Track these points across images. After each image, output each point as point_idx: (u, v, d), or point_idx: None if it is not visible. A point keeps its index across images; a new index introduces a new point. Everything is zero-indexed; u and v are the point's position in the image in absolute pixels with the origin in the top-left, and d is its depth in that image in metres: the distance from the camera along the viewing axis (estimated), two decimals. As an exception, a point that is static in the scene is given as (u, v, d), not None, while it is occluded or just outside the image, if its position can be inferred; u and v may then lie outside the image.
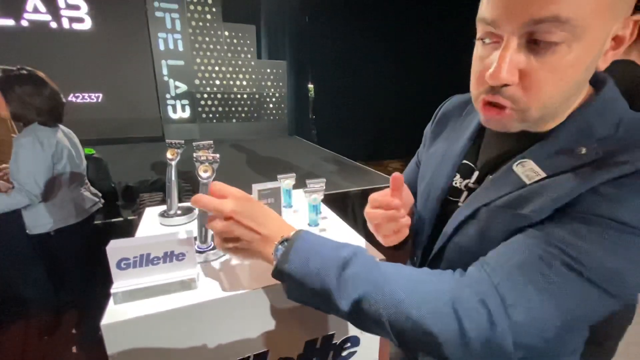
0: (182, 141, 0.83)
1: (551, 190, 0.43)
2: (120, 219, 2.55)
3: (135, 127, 5.23)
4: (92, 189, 1.86)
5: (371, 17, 5.79)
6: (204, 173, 0.65)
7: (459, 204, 0.57)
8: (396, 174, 0.56)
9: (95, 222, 2.00)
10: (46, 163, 1.47)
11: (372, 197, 0.59)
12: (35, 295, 2.03)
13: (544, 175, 0.45)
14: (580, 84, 0.44)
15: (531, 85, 0.41)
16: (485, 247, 0.47)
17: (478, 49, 0.46)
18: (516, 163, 0.48)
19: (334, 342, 0.69)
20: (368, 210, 0.59)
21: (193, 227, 0.81)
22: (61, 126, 1.64)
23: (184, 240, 0.56)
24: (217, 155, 0.67)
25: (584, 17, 0.37)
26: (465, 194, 0.58)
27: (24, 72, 1.44)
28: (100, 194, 1.92)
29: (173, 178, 0.83)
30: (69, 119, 1.66)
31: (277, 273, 0.48)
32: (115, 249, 0.52)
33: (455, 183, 0.60)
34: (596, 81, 0.49)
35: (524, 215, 0.45)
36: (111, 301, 0.53)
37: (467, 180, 0.59)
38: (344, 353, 0.72)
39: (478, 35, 0.46)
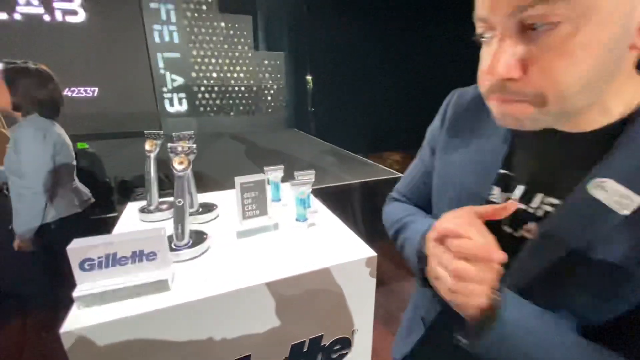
0: (161, 132, 0.78)
1: None
2: (115, 214, 2.52)
3: (132, 121, 5.17)
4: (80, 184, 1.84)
5: (371, 7, 5.68)
6: (178, 165, 0.60)
7: (504, 226, 0.47)
8: (512, 202, 0.43)
9: (91, 217, 1.97)
10: (49, 153, 1.48)
11: (453, 230, 0.41)
12: (33, 291, 2.02)
13: None
14: (608, 68, 0.36)
15: (537, 74, 0.36)
16: (572, 298, 0.40)
17: (483, 47, 0.41)
18: (593, 184, 0.38)
19: (322, 344, 0.65)
20: (453, 260, 0.41)
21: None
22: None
23: (155, 238, 0.52)
24: (194, 146, 0.62)
25: None
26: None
27: (31, 65, 1.47)
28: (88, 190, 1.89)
29: (152, 171, 0.78)
30: (64, 114, 1.67)
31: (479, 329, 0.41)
32: (77, 249, 0.48)
33: (494, 197, 0.49)
34: None
35: (633, 270, 0.36)
36: (74, 306, 0.49)
37: (507, 195, 0.48)
38: (334, 356, 0.68)
39: (476, 31, 0.41)
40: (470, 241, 0.39)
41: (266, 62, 5.96)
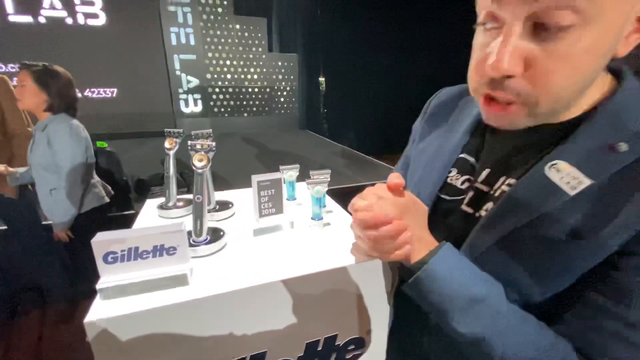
0: (181, 130, 0.79)
1: (605, 207, 0.37)
2: (132, 211, 2.58)
3: (149, 122, 5.30)
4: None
5: (384, 10, 5.66)
6: (198, 162, 0.61)
7: (463, 206, 0.51)
8: (394, 174, 0.49)
9: (109, 214, 2.03)
10: (83, 147, 1.58)
11: (360, 205, 0.48)
12: (52, 284, 2.08)
13: (589, 182, 0.38)
14: (597, 73, 0.38)
15: (538, 76, 0.36)
16: (517, 271, 0.42)
17: (479, 36, 0.41)
18: (548, 165, 0.41)
19: (337, 343, 0.65)
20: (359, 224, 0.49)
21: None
22: None
23: (175, 233, 0.53)
24: (213, 144, 0.63)
25: None
26: (471, 194, 0.51)
27: (57, 67, 1.57)
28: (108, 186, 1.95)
29: (171, 169, 0.80)
30: (85, 114, 1.76)
31: (409, 274, 0.48)
32: (101, 242, 0.49)
33: (451, 180, 0.54)
34: (614, 71, 0.43)
35: (576, 247, 0.38)
36: (97, 297, 0.50)
37: (466, 177, 0.52)
38: (348, 356, 0.67)
39: (479, 19, 0.40)
40: (365, 213, 0.46)
41: (280, 63, 6.02)
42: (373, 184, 0.52)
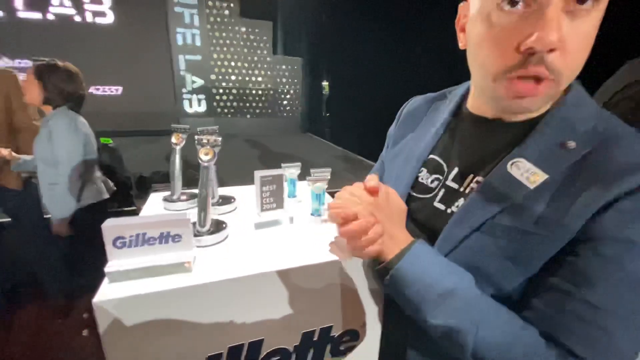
0: (187, 126, 0.82)
1: (561, 198, 0.41)
2: (134, 208, 2.60)
3: (153, 120, 5.34)
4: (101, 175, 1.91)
5: (388, 15, 5.71)
6: (205, 156, 0.64)
7: (436, 203, 0.55)
8: (371, 176, 0.52)
9: (109, 210, 2.05)
10: (81, 142, 1.59)
11: (332, 202, 0.51)
12: (51, 278, 2.09)
13: (545, 176, 0.43)
14: None
15: (569, 53, 0.39)
16: (488, 262, 0.46)
17: (493, 18, 0.40)
18: (510, 163, 0.46)
19: (331, 334, 0.67)
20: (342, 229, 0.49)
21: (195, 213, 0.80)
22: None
23: (181, 221, 0.55)
24: (219, 139, 0.66)
25: None
26: (442, 191, 0.55)
27: (58, 62, 1.58)
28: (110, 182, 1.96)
29: (177, 163, 0.82)
30: (89, 111, 1.76)
31: (384, 271, 0.50)
32: (111, 227, 0.52)
33: (421, 179, 0.58)
34: None
35: (539, 235, 0.42)
36: (105, 280, 0.53)
37: (435, 176, 0.56)
38: (342, 347, 0.70)
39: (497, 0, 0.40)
40: (336, 210, 0.49)
41: (284, 67, 6.08)
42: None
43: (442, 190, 0.55)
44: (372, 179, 0.51)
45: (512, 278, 0.45)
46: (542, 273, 0.43)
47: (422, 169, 0.58)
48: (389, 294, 0.52)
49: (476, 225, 0.47)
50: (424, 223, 0.56)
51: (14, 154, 1.66)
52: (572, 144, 0.42)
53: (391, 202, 0.52)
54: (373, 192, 0.51)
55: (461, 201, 0.51)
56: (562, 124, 0.44)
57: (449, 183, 0.54)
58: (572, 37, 0.38)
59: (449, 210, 0.53)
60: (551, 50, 0.38)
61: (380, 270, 0.51)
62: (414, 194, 0.58)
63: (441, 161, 0.57)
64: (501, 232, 0.45)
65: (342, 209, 0.48)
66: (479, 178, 0.50)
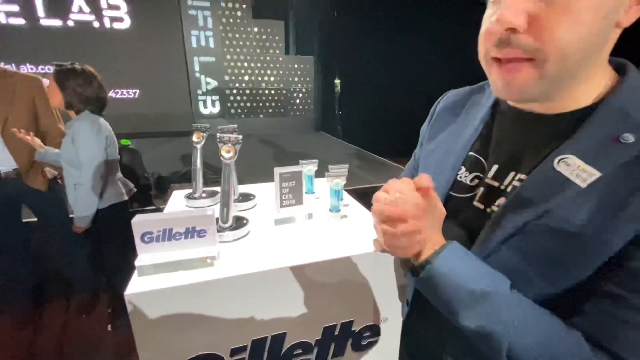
0: (208, 125, 0.84)
1: (615, 198, 0.38)
2: (153, 207, 2.66)
3: (168, 122, 5.45)
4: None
5: (400, 13, 5.66)
6: (226, 153, 0.66)
7: (475, 202, 0.52)
8: (425, 176, 0.47)
9: (130, 209, 2.10)
10: (103, 145, 1.63)
11: (381, 196, 0.48)
12: (76, 276, 2.16)
13: (598, 174, 0.39)
14: (603, 37, 0.39)
15: (543, 30, 0.37)
16: (531, 265, 0.43)
17: (487, 10, 0.43)
18: (557, 160, 0.42)
19: (352, 329, 0.68)
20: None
21: (217, 210, 0.82)
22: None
23: (206, 217, 0.57)
24: (240, 137, 0.67)
25: None
26: (481, 190, 0.52)
27: (77, 66, 1.61)
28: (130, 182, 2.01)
29: (198, 161, 0.84)
30: (108, 113, 1.79)
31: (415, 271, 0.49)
32: (140, 222, 0.54)
33: (460, 177, 0.55)
34: (617, 66, 0.45)
35: (590, 238, 0.39)
36: (135, 273, 0.55)
37: (475, 174, 0.53)
38: (364, 342, 0.70)
39: None
40: (385, 206, 0.45)
41: (296, 66, 6.10)
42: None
43: (482, 189, 0.52)
44: (425, 178, 0.47)
45: (557, 282, 0.42)
46: (592, 277, 0.40)
47: (462, 167, 0.56)
48: (423, 293, 0.51)
49: (518, 226, 0.43)
50: (463, 224, 0.53)
51: (36, 139, 1.70)
52: (629, 138, 0.38)
53: (436, 206, 0.49)
54: (424, 191, 0.47)
55: (502, 200, 0.48)
56: (618, 115, 0.40)
57: (489, 181, 0.51)
58: (547, 14, 0.37)
59: (488, 210, 0.50)
60: (513, 30, 0.38)
61: (412, 270, 0.50)
62: (453, 193, 0.55)
63: (481, 158, 0.54)
64: (546, 235, 0.42)
65: (390, 207, 0.46)
66: (522, 175, 0.47)
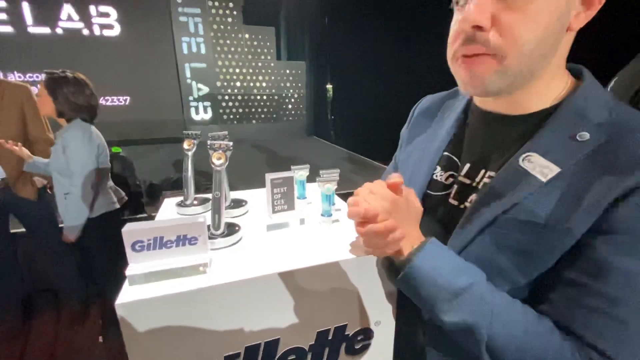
0: (199, 132, 0.84)
1: (575, 191, 0.41)
2: (145, 215, 2.64)
3: (160, 129, 5.42)
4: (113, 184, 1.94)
5: (391, 19, 5.73)
6: (217, 160, 0.66)
7: (450, 200, 0.56)
8: (395, 174, 0.50)
9: (122, 218, 2.08)
10: (94, 153, 1.62)
11: (351, 199, 0.50)
12: (66, 286, 2.12)
13: (558, 170, 0.43)
14: (557, 39, 0.43)
15: (504, 29, 0.41)
16: (502, 257, 0.46)
17: (454, 17, 0.47)
18: (522, 157, 0.46)
19: (346, 333, 0.68)
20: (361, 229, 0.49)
21: (209, 217, 0.82)
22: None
23: (197, 224, 0.57)
24: (230, 143, 0.68)
25: None
26: (456, 187, 0.55)
27: (69, 74, 1.60)
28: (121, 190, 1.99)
29: (190, 169, 0.84)
30: (98, 121, 1.78)
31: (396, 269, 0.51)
32: (130, 231, 0.54)
33: (436, 176, 0.59)
34: (574, 71, 0.50)
35: (553, 229, 0.42)
36: (126, 283, 0.55)
37: (449, 173, 0.57)
38: (357, 346, 0.70)
39: (453, 0, 0.47)
40: (356, 208, 0.47)
41: (288, 71, 6.13)
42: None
43: (456, 186, 0.55)
44: (395, 177, 0.50)
45: (526, 272, 0.45)
46: (556, 266, 0.43)
47: (437, 166, 0.59)
48: (403, 292, 0.53)
49: (489, 220, 0.47)
50: (440, 220, 0.56)
51: (24, 149, 1.68)
52: (585, 135, 0.43)
53: (410, 202, 0.51)
54: (395, 189, 0.50)
55: (474, 196, 0.52)
56: (575, 116, 0.45)
57: (462, 179, 0.55)
58: (507, 15, 0.41)
59: (462, 206, 0.53)
60: (478, 28, 0.42)
61: (392, 269, 0.51)
62: (430, 192, 0.59)
63: (454, 157, 0.58)
64: (514, 227, 0.45)
65: (357, 207, 0.48)
66: (491, 173, 0.51)
